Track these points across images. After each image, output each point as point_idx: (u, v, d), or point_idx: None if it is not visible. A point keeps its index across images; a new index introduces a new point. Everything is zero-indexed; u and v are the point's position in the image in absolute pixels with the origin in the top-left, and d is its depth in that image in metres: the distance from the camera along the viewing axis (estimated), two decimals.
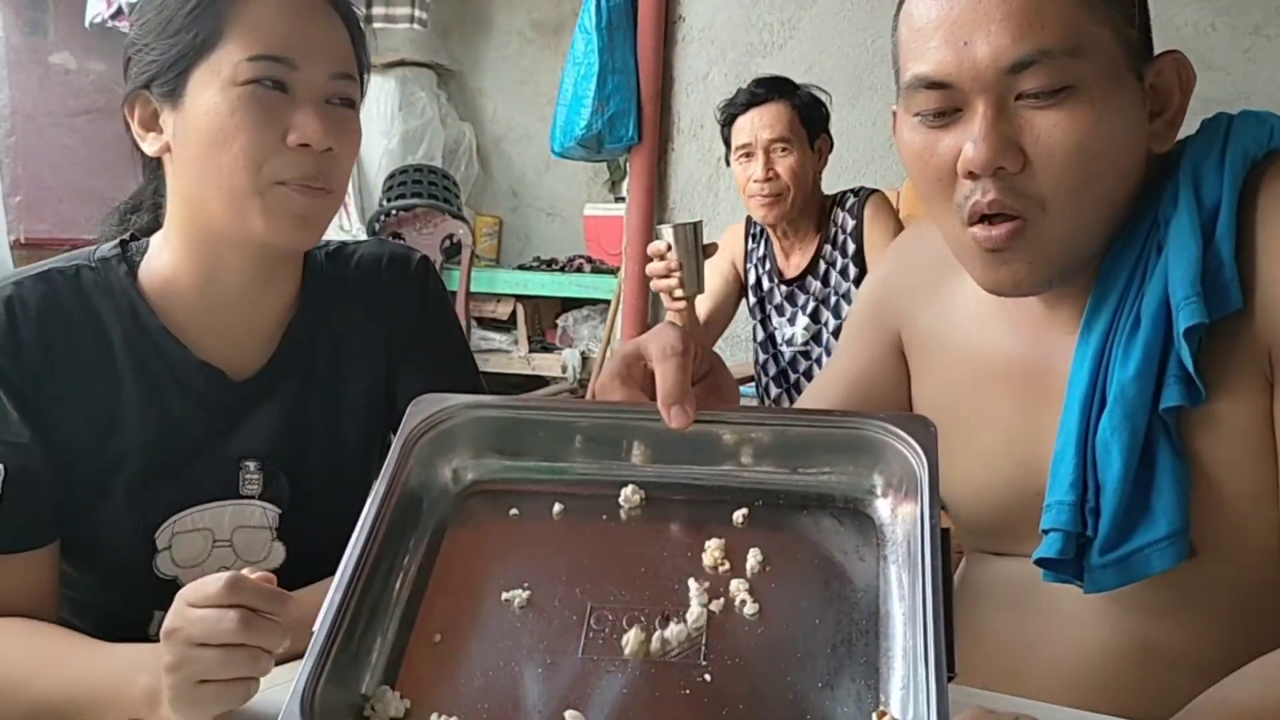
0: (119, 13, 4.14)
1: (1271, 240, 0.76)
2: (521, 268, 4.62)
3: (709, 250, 1.99)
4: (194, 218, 0.95)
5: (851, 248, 2.15)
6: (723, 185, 3.16)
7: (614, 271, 3.91)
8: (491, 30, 5.03)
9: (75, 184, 4.48)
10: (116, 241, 1.00)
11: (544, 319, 4.58)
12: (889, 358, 1.02)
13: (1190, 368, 0.75)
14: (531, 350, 4.47)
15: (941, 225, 0.84)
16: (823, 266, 2.19)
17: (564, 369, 4.38)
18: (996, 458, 0.89)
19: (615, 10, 3.08)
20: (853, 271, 2.15)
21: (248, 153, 0.89)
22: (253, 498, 0.99)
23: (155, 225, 1.02)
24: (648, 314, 3.25)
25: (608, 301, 3.75)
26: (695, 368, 0.77)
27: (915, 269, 1.01)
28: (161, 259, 0.98)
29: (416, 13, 4.15)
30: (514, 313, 4.48)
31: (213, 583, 0.70)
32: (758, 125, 2.14)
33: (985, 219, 0.79)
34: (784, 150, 2.12)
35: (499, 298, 4.40)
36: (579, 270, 4.42)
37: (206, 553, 0.97)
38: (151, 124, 0.95)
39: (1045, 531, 0.82)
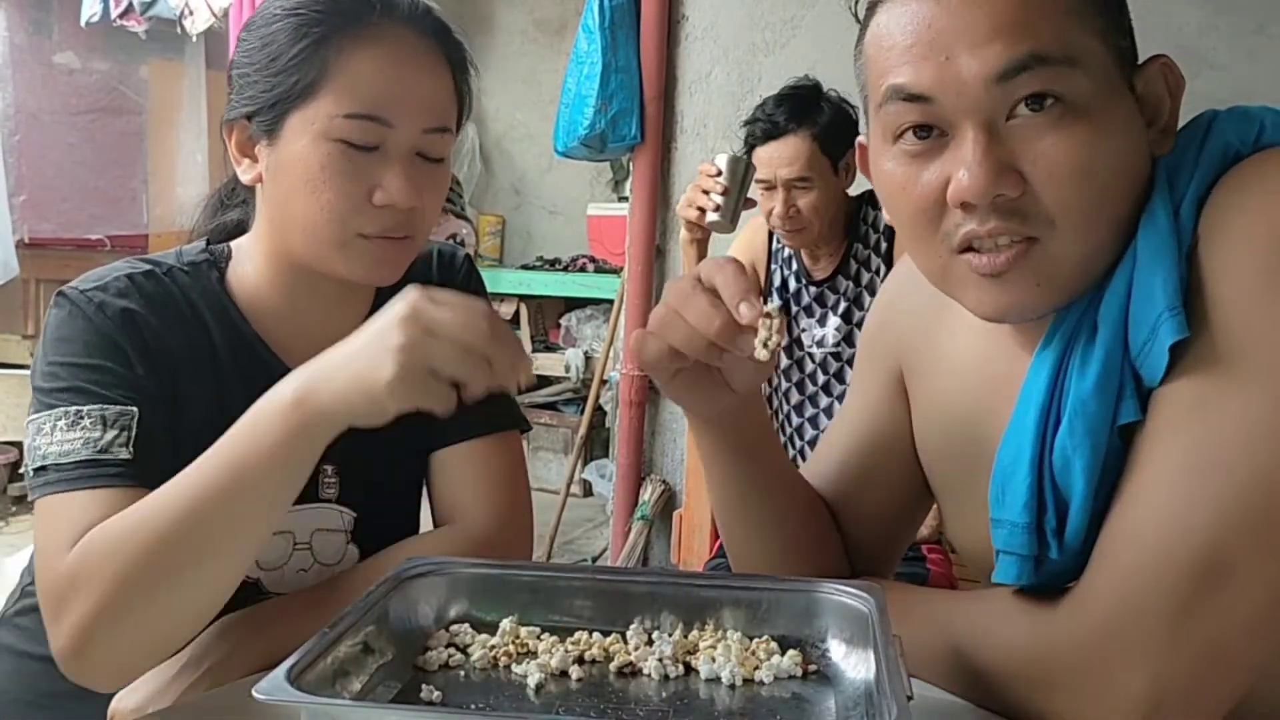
0: (127, 11, 4.14)
1: (1211, 240, 0.70)
2: (524, 267, 4.63)
3: (749, 203, 2.03)
4: (279, 246, 0.96)
5: (884, 246, 2.11)
6: None
7: (617, 271, 3.91)
8: (494, 29, 5.03)
9: (79, 183, 4.49)
10: (203, 246, 1.01)
11: (547, 319, 4.59)
12: (891, 393, 0.98)
13: (1156, 381, 0.70)
14: (535, 350, 4.47)
15: (923, 257, 0.78)
16: (854, 265, 2.14)
17: (567, 369, 4.39)
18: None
19: (618, 9, 3.08)
20: (884, 270, 2.10)
21: (333, 207, 0.90)
22: (331, 501, 1.00)
23: (243, 225, 1.04)
24: (650, 313, 3.24)
25: (611, 301, 3.75)
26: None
27: (910, 298, 0.96)
28: (246, 270, 0.99)
29: None
30: (517, 312, 4.48)
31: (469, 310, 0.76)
32: (776, 162, 2.05)
33: (973, 247, 0.74)
34: (803, 187, 2.05)
35: (502, 297, 4.40)
36: (582, 270, 4.42)
37: (287, 555, 0.98)
38: (248, 150, 0.96)
39: (999, 552, 0.77)
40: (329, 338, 1.02)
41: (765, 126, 2.07)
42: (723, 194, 1.99)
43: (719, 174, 2.00)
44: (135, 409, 0.87)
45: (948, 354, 0.91)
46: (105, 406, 0.86)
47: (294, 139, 0.91)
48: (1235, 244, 0.69)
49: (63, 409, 0.86)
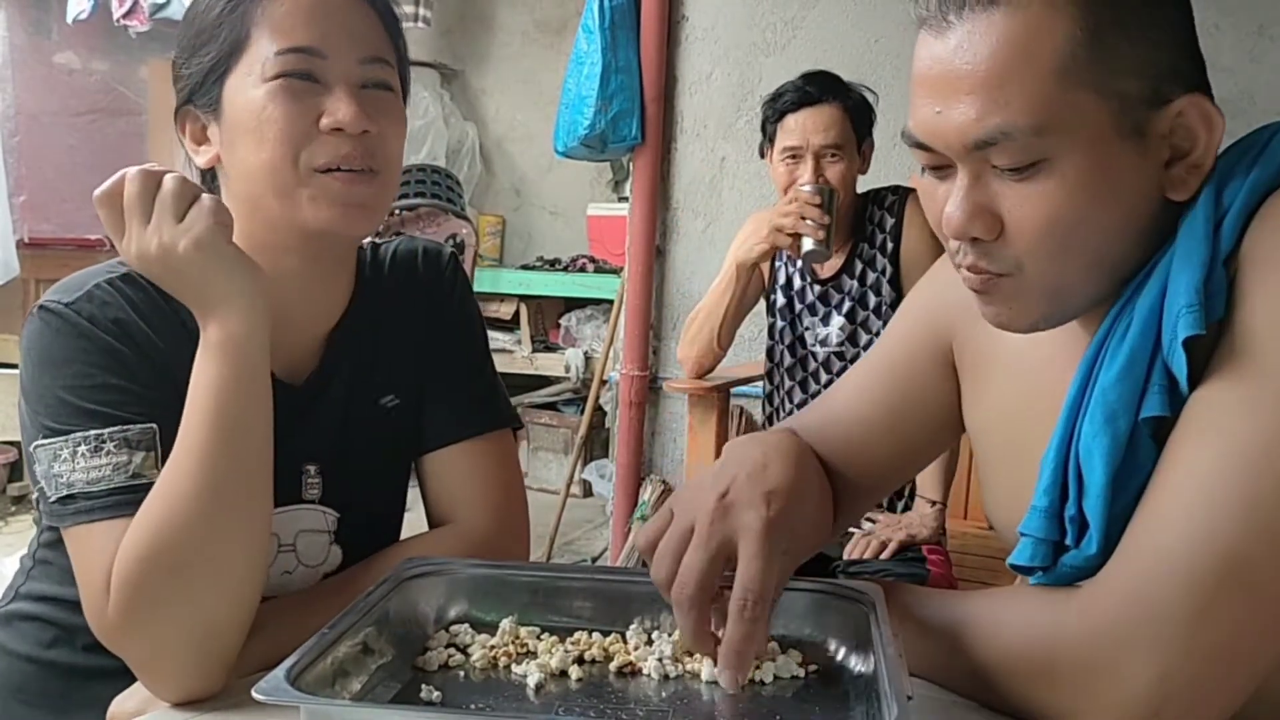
0: (132, 10, 4.13)
1: (1253, 252, 0.72)
2: (525, 267, 4.63)
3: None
4: (248, 221, 0.94)
5: (890, 246, 2.11)
6: (726, 185, 3.16)
7: (617, 271, 3.91)
8: (494, 30, 5.03)
9: (79, 184, 4.48)
10: None
11: (547, 319, 4.59)
12: (936, 366, 0.99)
13: (1183, 378, 0.71)
14: (535, 350, 4.47)
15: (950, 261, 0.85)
16: (859, 266, 2.14)
17: (567, 369, 4.38)
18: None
19: (618, 10, 3.08)
20: (890, 270, 2.11)
21: (285, 142, 0.89)
22: (314, 502, 0.99)
23: None
24: (650, 314, 3.24)
25: (611, 301, 3.75)
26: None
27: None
28: None
29: (421, 11, 4.15)
30: (517, 312, 4.48)
31: None
32: (809, 128, 2.06)
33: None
34: (834, 157, 2.06)
35: (502, 297, 4.40)
36: (582, 270, 4.42)
37: (273, 557, 0.96)
38: (201, 137, 0.96)
39: (1021, 534, 0.79)
40: (307, 329, 1.00)
41: (797, 96, 2.08)
42: (828, 224, 1.96)
43: (821, 202, 1.95)
44: (154, 425, 0.86)
45: (1008, 347, 0.92)
46: (125, 428, 0.85)
47: (236, 96, 0.91)
48: (1274, 260, 0.71)
49: (79, 434, 0.85)
